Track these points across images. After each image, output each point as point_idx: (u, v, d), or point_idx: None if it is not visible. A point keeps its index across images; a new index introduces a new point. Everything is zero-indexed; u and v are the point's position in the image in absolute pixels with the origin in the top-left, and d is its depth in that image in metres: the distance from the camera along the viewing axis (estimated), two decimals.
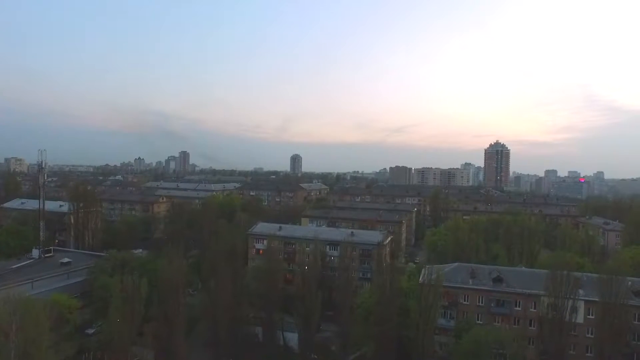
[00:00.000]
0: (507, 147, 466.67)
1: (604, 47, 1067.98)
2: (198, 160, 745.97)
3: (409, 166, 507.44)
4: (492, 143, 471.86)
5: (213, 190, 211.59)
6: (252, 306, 74.92)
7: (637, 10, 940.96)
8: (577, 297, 57.79)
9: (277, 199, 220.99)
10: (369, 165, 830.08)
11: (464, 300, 65.33)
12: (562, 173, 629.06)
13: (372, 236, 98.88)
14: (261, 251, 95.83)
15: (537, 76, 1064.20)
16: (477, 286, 65.12)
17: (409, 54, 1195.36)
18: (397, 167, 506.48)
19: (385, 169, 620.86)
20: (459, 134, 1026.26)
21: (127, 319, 54.79)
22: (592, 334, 58.89)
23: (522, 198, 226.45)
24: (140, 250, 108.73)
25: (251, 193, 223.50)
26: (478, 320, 63.58)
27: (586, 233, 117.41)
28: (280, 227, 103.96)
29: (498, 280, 65.04)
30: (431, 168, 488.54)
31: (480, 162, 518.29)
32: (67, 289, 70.89)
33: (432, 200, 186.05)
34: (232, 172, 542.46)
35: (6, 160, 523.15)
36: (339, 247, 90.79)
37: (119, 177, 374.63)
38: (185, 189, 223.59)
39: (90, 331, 68.43)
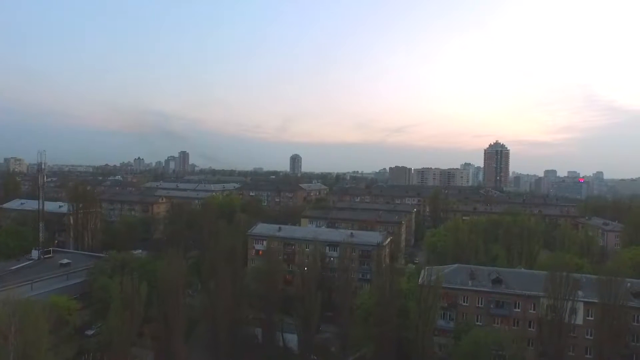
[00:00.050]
0: (506, 147, 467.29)
1: (604, 47, 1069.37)
2: (198, 161, 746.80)
3: (408, 166, 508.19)
4: (492, 143, 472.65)
5: (213, 191, 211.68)
6: (252, 307, 74.91)
7: (637, 10, 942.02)
8: (576, 299, 57.85)
9: (277, 200, 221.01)
10: (369, 166, 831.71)
11: (464, 302, 65.34)
12: (562, 173, 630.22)
13: (372, 237, 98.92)
14: (261, 252, 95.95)
15: (537, 76, 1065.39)
16: (477, 287, 65.14)
17: (409, 54, 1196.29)
18: (396, 167, 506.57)
19: (385, 169, 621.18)
20: (459, 134, 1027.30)
21: (127, 320, 54.73)
22: (591, 335, 58.91)
23: (522, 198, 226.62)
24: (140, 250, 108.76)
25: (251, 193, 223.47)
26: (477, 321, 63.58)
27: (585, 234, 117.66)
28: (279, 228, 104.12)
29: (497, 281, 65.07)
30: (431, 168, 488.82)
31: (479, 162, 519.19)
32: (66, 290, 70.87)
33: (431, 200, 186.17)
34: (231, 172, 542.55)
35: (5, 160, 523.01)
36: (338, 248, 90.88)
37: (118, 177, 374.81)
38: (185, 190, 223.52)
39: (90, 332, 68.42)
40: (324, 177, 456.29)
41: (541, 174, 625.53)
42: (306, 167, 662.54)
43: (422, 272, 67.99)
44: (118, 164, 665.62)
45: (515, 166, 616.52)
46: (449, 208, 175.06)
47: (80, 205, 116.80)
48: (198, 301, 77.88)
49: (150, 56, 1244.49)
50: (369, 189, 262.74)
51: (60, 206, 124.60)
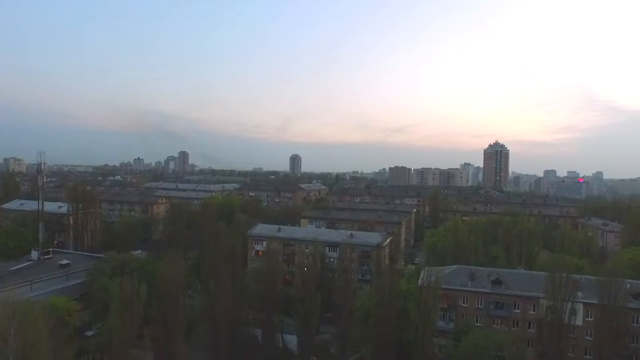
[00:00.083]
0: (506, 148, 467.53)
1: (604, 47, 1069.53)
2: (197, 161, 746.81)
3: (408, 166, 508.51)
4: (492, 143, 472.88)
5: (212, 191, 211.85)
6: (252, 308, 74.91)
7: (637, 10, 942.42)
8: (576, 300, 57.88)
9: (277, 200, 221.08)
10: (369, 166, 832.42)
11: (463, 303, 65.34)
12: (561, 173, 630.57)
13: (372, 238, 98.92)
14: (260, 252, 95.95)
15: (537, 76, 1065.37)
16: (476, 288, 65.15)
17: (409, 54, 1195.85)
18: (396, 167, 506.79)
19: (384, 169, 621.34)
20: (459, 134, 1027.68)
21: (127, 321, 54.67)
22: (591, 336, 58.93)
23: (521, 199, 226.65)
24: (140, 251, 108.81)
25: (250, 194, 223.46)
26: (477, 322, 63.57)
27: (585, 234, 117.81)
28: (279, 229, 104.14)
29: (497, 282, 65.08)
30: (430, 168, 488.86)
31: (479, 162, 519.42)
32: (66, 291, 70.84)
33: (431, 200, 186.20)
34: (231, 172, 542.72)
35: (5, 160, 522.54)
36: (338, 249, 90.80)
37: (118, 177, 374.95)
38: (185, 190, 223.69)
39: (90, 333, 68.44)
40: (323, 177, 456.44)
41: (541, 174, 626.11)
42: (306, 167, 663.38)
43: (422, 273, 68.00)
44: (118, 164, 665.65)
45: (515, 166, 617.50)
46: (449, 208, 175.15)
47: (80, 205, 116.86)
48: (198, 302, 77.90)
49: (150, 56, 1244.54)
50: (368, 189, 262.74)
51: (59, 206, 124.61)
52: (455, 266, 72.69)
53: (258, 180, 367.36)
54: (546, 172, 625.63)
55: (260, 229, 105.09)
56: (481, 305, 64.60)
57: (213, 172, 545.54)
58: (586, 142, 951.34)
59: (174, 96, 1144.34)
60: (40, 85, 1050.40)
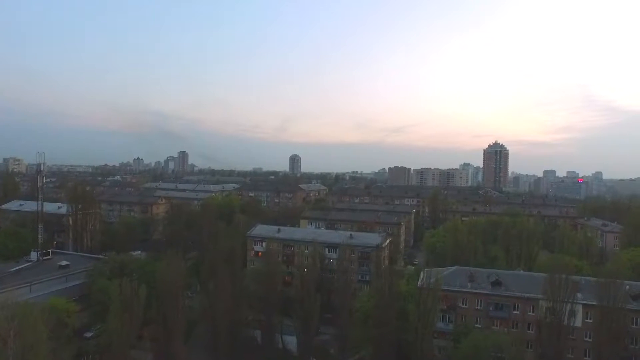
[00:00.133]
0: (505, 148, 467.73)
1: (603, 48, 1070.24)
2: (197, 161, 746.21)
3: (407, 166, 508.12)
4: (491, 144, 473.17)
5: (212, 191, 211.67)
6: (251, 309, 74.90)
7: (636, 10, 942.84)
8: (575, 301, 57.97)
9: (276, 200, 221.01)
10: (368, 166, 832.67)
11: (463, 304, 65.36)
12: (561, 173, 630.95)
13: (371, 239, 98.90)
14: (260, 253, 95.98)
15: (537, 76, 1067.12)
16: (476, 290, 65.18)
17: (408, 54, 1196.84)
18: (396, 167, 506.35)
19: (384, 169, 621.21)
20: (458, 134, 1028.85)
21: (126, 323, 54.68)
22: (590, 337, 58.99)
23: (521, 199, 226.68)
24: (139, 251, 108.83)
25: (250, 194, 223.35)
26: (476, 323, 63.60)
27: (584, 235, 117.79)
28: (279, 230, 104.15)
29: (496, 283, 65.11)
30: (430, 168, 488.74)
31: (479, 162, 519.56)
32: (65, 292, 70.80)
33: (430, 201, 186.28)
34: (231, 172, 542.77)
35: (4, 160, 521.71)
36: (337, 250, 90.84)
37: (117, 177, 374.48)
38: (184, 190, 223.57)
39: (89, 334, 68.37)
40: (323, 177, 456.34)
41: (540, 174, 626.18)
42: (305, 167, 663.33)
43: (421, 274, 68.03)
44: (117, 164, 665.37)
45: (515, 166, 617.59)
46: (448, 209, 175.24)
47: (80, 206, 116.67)
48: (197, 302, 77.90)
49: (150, 56, 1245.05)
50: (368, 189, 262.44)
51: (59, 207, 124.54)
52: (455, 267, 72.70)
53: (257, 180, 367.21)
54: (545, 172, 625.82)
55: (260, 229, 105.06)
56: (481, 306, 64.62)
57: (212, 172, 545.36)
58: (585, 142, 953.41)
59: (173, 96, 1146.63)
60: (40, 85, 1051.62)
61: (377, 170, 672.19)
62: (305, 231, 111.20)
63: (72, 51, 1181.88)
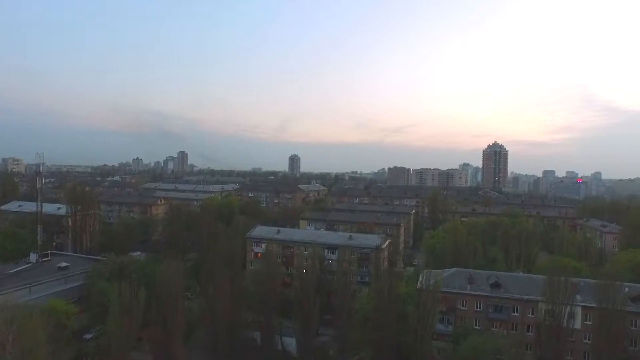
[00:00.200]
0: (505, 148, 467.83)
1: (603, 48, 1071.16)
2: (196, 161, 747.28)
3: (407, 166, 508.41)
4: (491, 144, 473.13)
5: (211, 192, 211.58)
6: (251, 310, 74.78)
7: (636, 10, 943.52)
8: (574, 303, 58.01)
9: (276, 201, 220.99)
10: (368, 166, 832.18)
11: (462, 306, 65.35)
12: (560, 173, 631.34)
13: (371, 240, 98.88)
14: (259, 255, 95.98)
15: (536, 76, 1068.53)
16: (475, 292, 65.19)
17: (408, 54, 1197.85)
18: (395, 167, 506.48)
19: (383, 169, 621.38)
20: (458, 134, 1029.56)
21: (126, 325, 54.68)
22: (589, 339, 59.00)
23: (520, 199, 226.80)
24: (139, 252, 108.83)
25: (249, 194, 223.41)
26: (476, 325, 63.67)
27: (584, 235, 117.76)
28: (278, 231, 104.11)
29: (496, 285, 65.13)
30: (430, 169, 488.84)
31: (478, 162, 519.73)
32: (64, 294, 70.70)
33: (430, 201, 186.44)
34: (230, 173, 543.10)
35: (4, 160, 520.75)
36: (337, 251, 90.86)
37: (117, 177, 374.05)
38: (184, 191, 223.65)
39: (89, 336, 68.29)
40: (322, 177, 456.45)
41: (540, 174, 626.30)
42: (305, 167, 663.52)
43: (421, 275, 68.07)
44: (117, 164, 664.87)
45: (514, 166, 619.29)
46: (448, 209, 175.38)
47: (79, 207, 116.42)
48: (197, 304, 77.82)
49: (150, 56, 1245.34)
50: (367, 190, 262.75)
51: (58, 208, 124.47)
52: (454, 269, 72.71)
53: (257, 180, 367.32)
54: (545, 172, 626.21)
55: (259, 231, 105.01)
56: (480, 308, 64.64)
57: (212, 173, 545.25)
58: (585, 142, 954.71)
59: (173, 96, 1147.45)
60: (39, 85, 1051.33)
61: (376, 171, 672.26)
62: (305, 232, 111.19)
63: (72, 51, 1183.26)
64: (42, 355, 40.03)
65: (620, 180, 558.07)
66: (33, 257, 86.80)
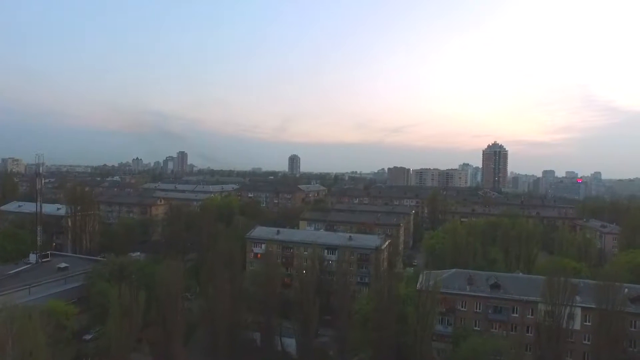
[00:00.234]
0: (505, 148, 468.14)
1: (603, 48, 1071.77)
2: (196, 161, 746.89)
3: (407, 167, 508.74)
4: (490, 144, 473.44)
5: (211, 192, 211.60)
6: (250, 311, 74.79)
7: (636, 10, 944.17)
8: (574, 304, 57.96)
9: (275, 201, 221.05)
10: (367, 166, 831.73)
11: (462, 307, 65.33)
12: (560, 173, 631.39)
13: (370, 240, 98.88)
14: (259, 255, 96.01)
15: (536, 76, 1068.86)
16: (475, 293, 65.16)
17: (408, 54, 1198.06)
18: (395, 167, 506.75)
19: (383, 169, 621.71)
20: (458, 134, 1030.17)
21: (125, 327, 54.70)
22: (589, 340, 58.99)
23: (520, 200, 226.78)
24: (138, 253, 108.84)
25: (249, 195, 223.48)
26: (475, 326, 63.68)
27: (583, 236, 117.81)
28: (278, 231, 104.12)
29: (495, 286, 65.12)
30: (429, 169, 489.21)
31: (478, 162, 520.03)
32: (64, 295, 70.60)
33: (430, 202, 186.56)
34: (230, 173, 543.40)
35: (3, 160, 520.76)
36: (337, 252, 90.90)
37: (116, 177, 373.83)
38: (184, 191, 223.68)
39: (88, 337, 68.24)
40: (322, 178, 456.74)
41: (539, 174, 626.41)
42: (305, 167, 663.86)
43: (420, 276, 68.07)
44: (116, 164, 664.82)
45: (514, 166, 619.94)
46: (448, 210, 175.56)
47: (78, 207, 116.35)
48: (197, 305, 77.87)
49: (150, 56, 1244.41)
50: (367, 190, 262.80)
51: (58, 208, 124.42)
52: (454, 270, 72.72)
53: (257, 180, 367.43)
54: (545, 172, 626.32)
55: (259, 231, 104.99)
56: (480, 309, 64.64)
57: (212, 173, 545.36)
58: (585, 142, 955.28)
59: (173, 96, 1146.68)
60: (39, 85, 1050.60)
61: (376, 171, 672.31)
62: (305, 233, 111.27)
63: (72, 51, 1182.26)
64: (42, 356, 40.05)
65: (620, 180, 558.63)
66: (33, 257, 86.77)
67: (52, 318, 51.02)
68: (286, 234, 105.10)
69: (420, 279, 66.42)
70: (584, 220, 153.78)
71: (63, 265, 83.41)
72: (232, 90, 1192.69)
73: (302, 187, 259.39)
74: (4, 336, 38.50)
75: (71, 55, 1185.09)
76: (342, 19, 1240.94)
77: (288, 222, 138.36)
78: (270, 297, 72.46)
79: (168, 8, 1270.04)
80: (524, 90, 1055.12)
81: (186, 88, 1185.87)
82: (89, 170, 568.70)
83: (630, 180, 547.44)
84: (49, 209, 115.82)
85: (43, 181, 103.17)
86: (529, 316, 62.00)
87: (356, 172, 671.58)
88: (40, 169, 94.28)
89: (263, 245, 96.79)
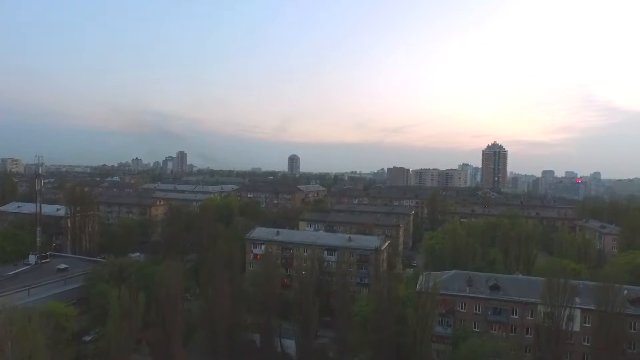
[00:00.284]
0: (504, 149, 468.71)
1: (603, 48, 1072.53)
2: (196, 161, 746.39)
3: (406, 167, 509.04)
4: (490, 144, 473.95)
5: (211, 192, 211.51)
6: (250, 312, 74.79)
7: (635, 11, 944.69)
8: (573, 306, 57.92)
9: (275, 201, 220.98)
10: (367, 166, 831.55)
11: (461, 308, 65.32)
12: (559, 173, 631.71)
13: (370, 241, 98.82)
14: (259, 256, 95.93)
15: (536, 76, 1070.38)
16: (474, 294, 65.14)
17: (408, 54, 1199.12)
18: (395, 167, 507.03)
19: (383, 169, 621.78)
20: (457, 134, 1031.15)
21: (125, 328, 54.69)
22: (588, 342, 58.96)
23: (520, 200, 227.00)
24: (138, 253, 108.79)
25: (249, 195, 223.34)
26: (475, 328, 63.67)
27: (583, 237, 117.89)
28: (277, 232, 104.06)
29: (495, 288, 65.10)
30: (429, 169, 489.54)
31: (478, 162, 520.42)
32: (64, 296, 70.59)
33: (429, 202, 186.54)
34: (229, 173, 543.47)
35: (3, 160, 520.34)
36: (336, 253, 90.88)
37: (116, 178, 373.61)
38: (183, 191, 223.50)
39: (88, 338, 68.21)
40: (322, 178, 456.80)
41: (539, 175, 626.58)
42: (304, 167, 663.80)
43: (420, 278, 68.05)
44: (116, 164, 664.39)
45: (513, 166, 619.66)
46: (447, 210, 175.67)
47: (78, 208, 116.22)
48: (196, 306, 77.86)
49: (149, 56, 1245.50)
50: (367, 190, 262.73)
51: (57, 209, 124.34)
52: (454, 271, 72.72)
53: (256, 181, 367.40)
54: (544, 172, 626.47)
55: (259, 232, 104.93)
56: (479, 310, 64.63)
57: (211, 173, 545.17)
58: (584, 142, 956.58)
59: (173, 96, 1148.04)
60: (40, 85, 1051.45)
61: (376, 171, 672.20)
62: (304, 234, 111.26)
63: (72, 51, 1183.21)
64: (42, 357, 40.06)
65: (620, 180, 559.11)
66: (32, 258, 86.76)
67: (52, 319, 50.94)
68: (286, 234, 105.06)
69: (419, 280, 66.40)
70: (584, 220, 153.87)
71: (62, 266, 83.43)
72: (232, 90, 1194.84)
73: (301, 187, 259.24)
74: (4, 338, 38.46)
75: (71, 55, 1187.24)
76: (342, 19, 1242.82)
77: (288, 223, 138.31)
78: (269, 298, 72.42)
79: (168, 8, 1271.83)
80: (523, 90, 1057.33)
81: (186, 88, 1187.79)
82: (89, 170, 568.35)
83: (629, 180, 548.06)
84: (48, 209, 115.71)
85: (42, 182, 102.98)
86: (529, 318, 62.02)
87: (356, 172, 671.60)
88: (40, 170, 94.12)
89: (263, 246, 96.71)
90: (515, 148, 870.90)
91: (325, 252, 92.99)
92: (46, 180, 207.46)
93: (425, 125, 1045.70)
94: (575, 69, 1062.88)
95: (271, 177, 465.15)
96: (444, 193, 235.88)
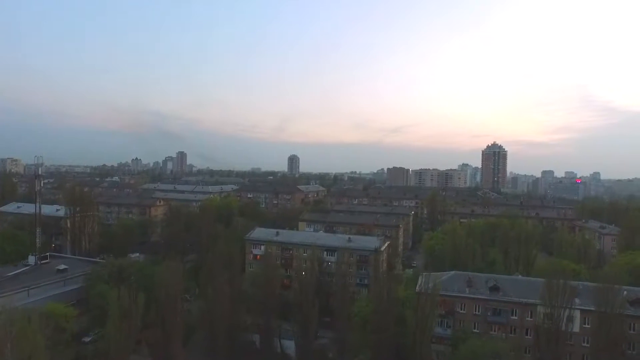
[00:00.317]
0: (504, 149, 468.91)
1: (602, 48, 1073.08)
2: (195, 161, 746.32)
3: (406, 167, 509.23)
4: (490, 144, 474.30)
5: (210, 193, 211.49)
6: (250, 313, 74.88)
7: (635, 11, 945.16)
8: (573, 307, 57.91)
9: (275, 202, 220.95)
10: (367, 166, 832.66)
11: (461, 309, 65.30)
12: (559, 174, 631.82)
13: (370, 242, 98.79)
14: (258, 257, 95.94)
15: (535, 77, 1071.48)
16: (474, 295, 65.12)
17: (407, 54, 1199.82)
18: (394, 168, 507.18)
19: (382, 169, 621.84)
20: (457, 134, 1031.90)
21: (125, 329, 54.67)
22: (588, 343, 59.00)
23: (519, 200, 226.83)
24: (138, 254, 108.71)
25: (248, 195, 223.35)
26: (475, 329, 63.66)
27: (582, 237, 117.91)
28: (277, 233, 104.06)
29: (495, 289, 65.08)
30: (429, 169, 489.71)
31: (477, 162, 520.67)
32: (63, 297, 70.57)
33: (429, 202, 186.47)
34: (229, 173, 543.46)
35: (2, 161, 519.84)
36: (336, 253, 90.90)
37: (116, 178, 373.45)
38: (183, 191, 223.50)
39: (87, 339, 68.21)
40: (321, 178, 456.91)
41: (538, 175, 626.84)
42: (304, 167, 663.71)
43: (420, 278, 68.02)
44: (116, 165, 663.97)
45: (513, 166, 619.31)
46: (447, 210, 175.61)
47: (77, 208, 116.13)
48: (196, 306, 77.86)
49: (149, 56, 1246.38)
50: (366, 190, 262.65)
51: (57, 210, 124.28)
52: (453, 272, 72.69)
53: (256, 181, 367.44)
54: (544, 172, 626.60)
55: (258, 232, 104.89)
56: (479, 311, 64.61)
57: (211, 173, 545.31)
58: (584, 142, 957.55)
59: (172, 96, 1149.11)
60: (39, 85, 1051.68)
61: (375, 171, 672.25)
62: (304, 234, 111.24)
63: (72, 51, 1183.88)
64: (41, 358, 40.04)
65: (619, 180, 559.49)
66: (32, 259, 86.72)
67: (51, 320, 51.00)
68: (285, 235, 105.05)
69: (419, 281, 66.38)
70: (583, 221, 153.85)
71: (62, 267, 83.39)
72: (231, 90, 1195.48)
73: (301, 187, 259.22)
74: (3, 339, 38.47)
75: (71, 55, 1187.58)
76: (341, 18, 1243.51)
77: (287, 223, 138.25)
78: (269, 299, 72.45)
79: (168, 8, 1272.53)
80: (523, 91, 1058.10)
81: (185, 88, 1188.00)
82: (88, 170, 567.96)
83: (629, 180, 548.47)
84: (48, 210, 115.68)
85: (42, 183, 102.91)
86: (528, 318, 62.01)
87: (355, 172, 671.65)
88: (40, 170, 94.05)
89: (262, 247, 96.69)
90: (514, 148, 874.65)
91: (325, 252, 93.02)
92: (46, 181, 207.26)
93: (424, 125, 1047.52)
94: (574, 69, 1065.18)
95: (271, 177, 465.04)
96: (444, 193, 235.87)
